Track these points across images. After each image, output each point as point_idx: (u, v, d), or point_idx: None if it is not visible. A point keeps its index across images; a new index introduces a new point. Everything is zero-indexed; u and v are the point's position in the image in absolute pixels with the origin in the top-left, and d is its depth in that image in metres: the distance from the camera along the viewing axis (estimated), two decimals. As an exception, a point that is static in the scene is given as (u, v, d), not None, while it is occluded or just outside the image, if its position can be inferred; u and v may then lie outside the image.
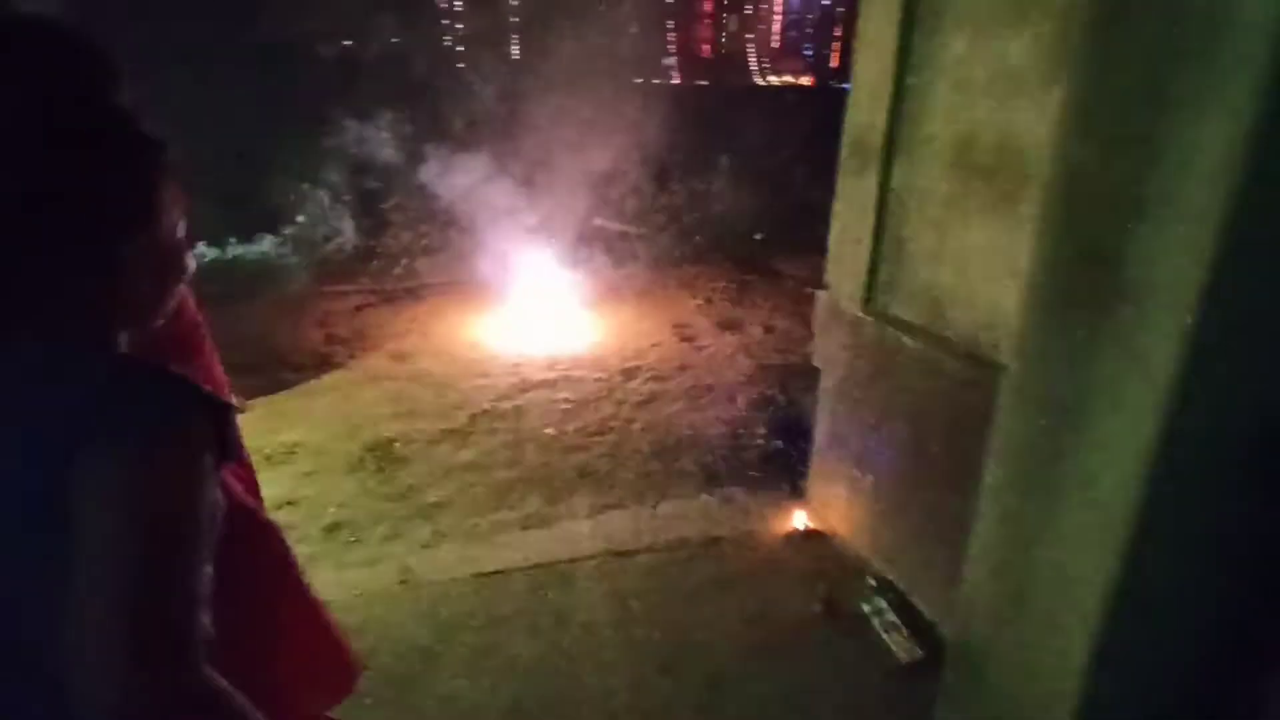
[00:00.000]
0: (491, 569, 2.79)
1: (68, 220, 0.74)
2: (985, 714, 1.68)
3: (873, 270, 2.66)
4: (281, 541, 1.06)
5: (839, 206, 2.83)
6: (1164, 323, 1.23)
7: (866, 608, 2.53)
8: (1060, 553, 1.47)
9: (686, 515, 3.20)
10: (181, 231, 0.85)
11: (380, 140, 8.32)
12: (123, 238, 0.77)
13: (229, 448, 0.78)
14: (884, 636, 2.40)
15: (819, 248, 3.02)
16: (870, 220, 2.61)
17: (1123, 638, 1.37)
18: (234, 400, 0.92)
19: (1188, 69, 1.12)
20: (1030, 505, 1.51)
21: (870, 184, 2.59)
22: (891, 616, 2.45)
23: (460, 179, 8.35)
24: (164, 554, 0.70)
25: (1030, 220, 1.72)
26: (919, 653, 2.31)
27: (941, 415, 2.35)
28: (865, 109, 2.59)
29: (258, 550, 1.00)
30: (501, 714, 2.15)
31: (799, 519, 3.05)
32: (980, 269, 2.23)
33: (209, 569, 0.75)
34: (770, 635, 2.47)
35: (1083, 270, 1.34)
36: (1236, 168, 1.10)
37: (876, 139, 2.52)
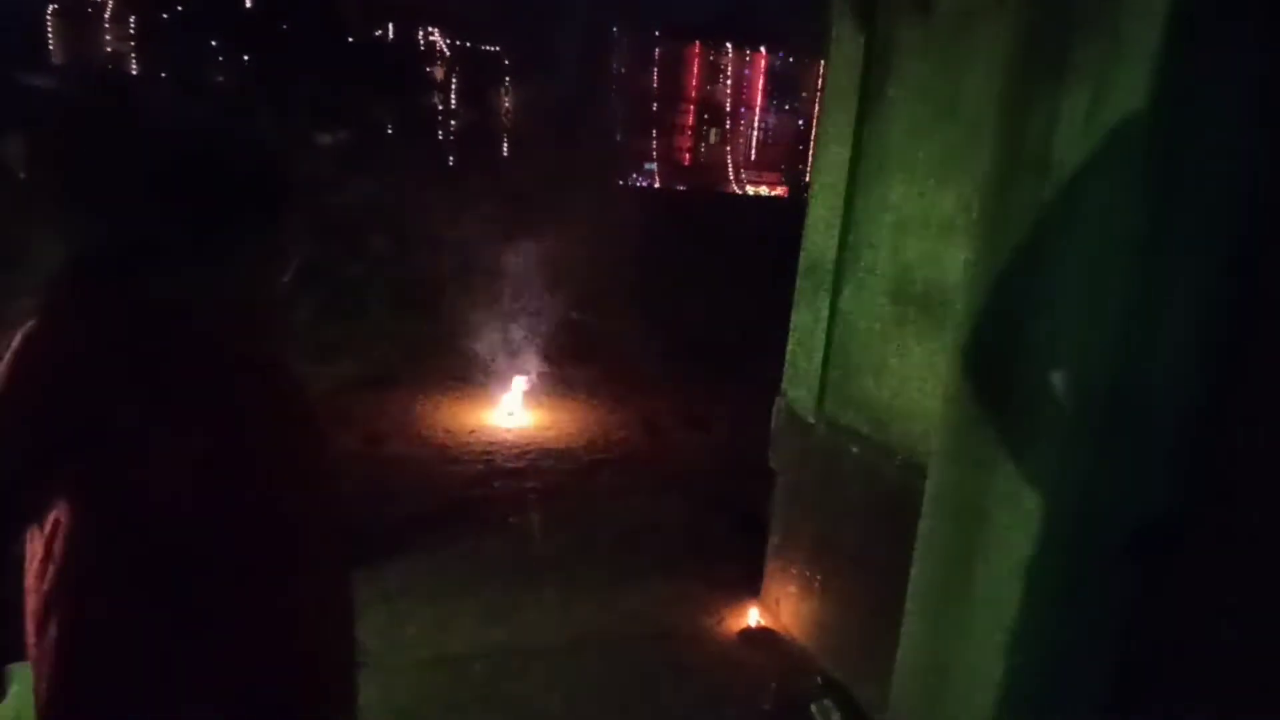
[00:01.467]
0: (450, 654, 2.84)
1: None
2: (911, 805, 1.79)
3: (824, 382, 2.89)
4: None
5: (795, 321, 3.09)
6: (1048, 438, 1.45)
7: (814, 707, 2.62)
8: (973, 652, 1.63)
9: (644, 608, 3.29)
10: None
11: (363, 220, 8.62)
12: None
13: None
14: (828, 734, 2.49)
15: (784, 349, 3.25)
16: (822, 336, 2.87)
17: (1025, 728, 1.52)
18: None
19: (1054, 241, 1.39)
20: (948, 607, 1.69)
21: (823, 304, 2.86)
22: (836, 715, 2.55)
23: (442, 267, 8.66)
24: None
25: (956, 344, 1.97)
26: (860, 751, 2.40)
27: (883, 519, 2.53)
28: (818, 238, 2.90)
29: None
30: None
31: (753, 616, 3.16)
32: (917, 385, 2.47)
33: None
34: (718, 731, 2.54)
35: (985, 400, 1.57)
36: (1106, 318, 1.35)
37: (828, 265, 2.81)
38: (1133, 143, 1.31)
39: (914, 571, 1.81)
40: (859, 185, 2.68)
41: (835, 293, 2.80)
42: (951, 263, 2.29)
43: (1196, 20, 1.26)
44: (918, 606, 1.80)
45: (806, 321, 2.97)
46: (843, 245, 2.75)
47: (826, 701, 2.60)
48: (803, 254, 3.03)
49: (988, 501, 1.59)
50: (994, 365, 1.56)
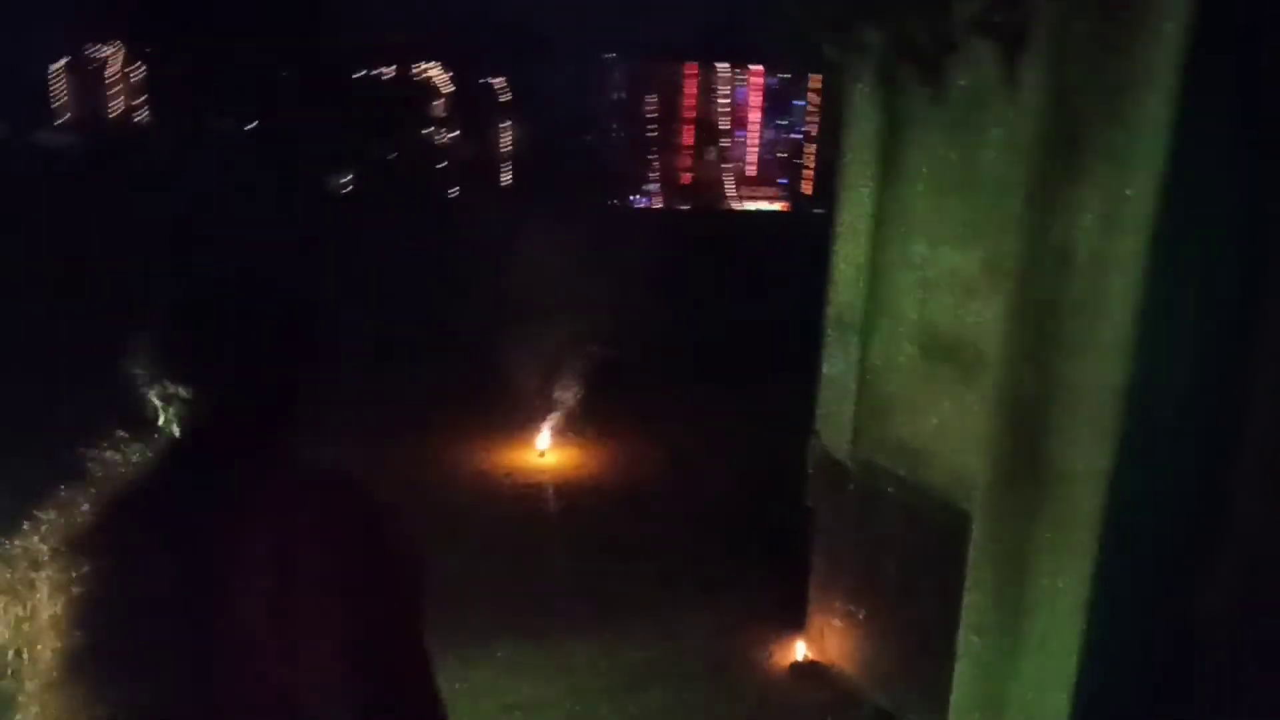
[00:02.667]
0: (521, 701, 2.99)
1: None
2: (975, 833, 1.94)
3: (856, 425, 3.06)
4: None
5: (826, 365, 3.26)
6: (1087, 495, 1.62)
7: (866, 736, 2.77)
8: (1026, 691, 1.79)
9: (695, 642, 3.43)
10: None
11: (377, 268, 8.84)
12: None
13: None
14: (883, 764, 2.64)
15: (802, 368, 3.39)
16: (854, 381, 3.04)
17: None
18: None
19: (1074, 322, 1.58)
20: (999, 648, 1.85)
21: (852, 353, 3.03)
22: (889, 744, 2.70)
23: (461, 309, 8.85)
24: None
25: (986, 397, 2.14)
26: (916, 779, 2.55)
27: (924, 556, 2.69)
28: (845, 289, 3.07)
29: None
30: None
31: (800, 649, 3.31)
32: (950, 431, 2.64)
33: None
34: (777, 765, 2.69)
35: (1022, 459, 1.75)
36: (1119, 386, 1.52)
37: (856, 316, 2.99)
38: (1141, 237, 1.49)
39: (964, 614, 1.97)
40: (883, 243, 2.86)
41: (864, 342, 2.97)
42: (977, 318, 2.47)
43: (1191, 130, 1.45)
44: (970, 647, 1.96)
45: (837, 368, 3.14)
46: (869, 298, 2.92)
47: (879, 731, 2.75)
48: (830, 300, 3.20)
49: (1031, 549, 1.76)
50: (1026, 433, 1.73)
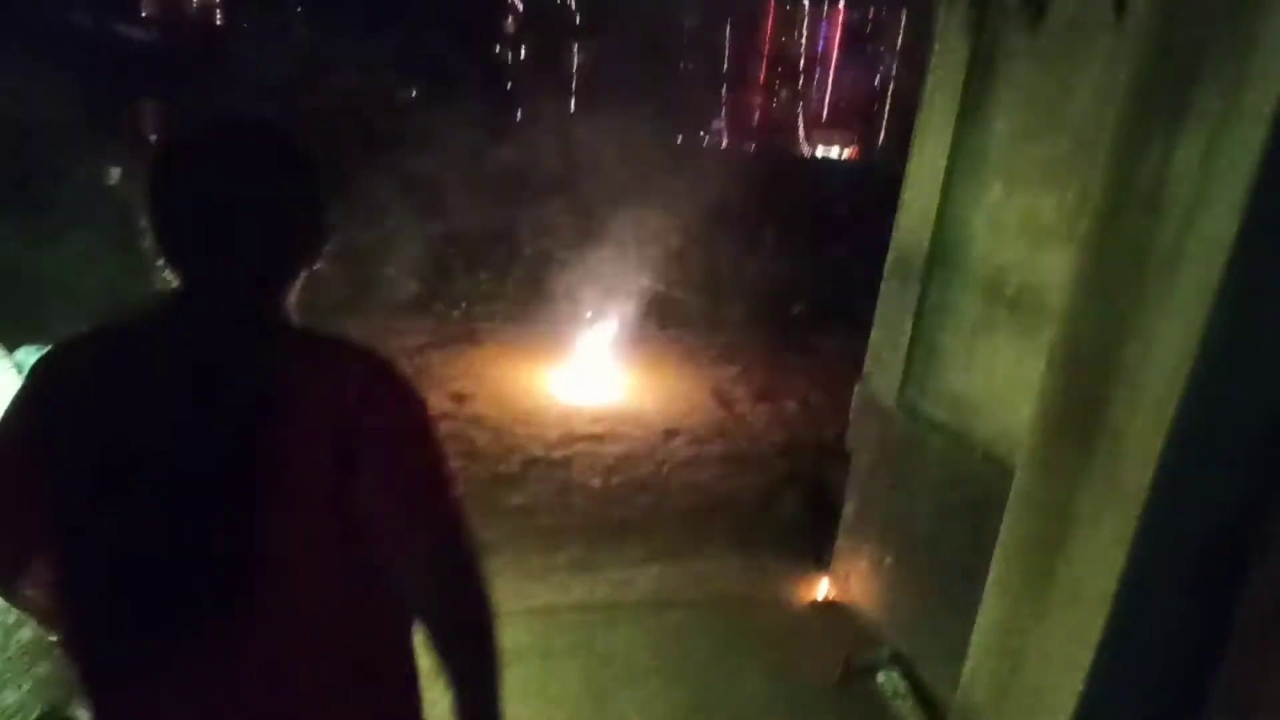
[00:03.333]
0: (541, 606, 3.11)
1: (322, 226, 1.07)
2: (979, 775, 1.95)
3: (907, 371, 2.99)
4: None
5: (881, 309, 3.18)
6: (1136, 458, 1.56)
7: (880, 677, 2.79)
8: (1049, 642, 1.77)
9: (720, 575, 3.50)
10: None
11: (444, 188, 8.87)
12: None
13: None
14: (893, 704, 2.67)
15: (855, 322, 3.35)
16: (908, 327, 2.96)
17: (1095, 713, 1.66)
18: None
19: (1157, 273, 1.48)
20: (1027, 598, 1.82)
21: (911, 296, 2.94)
22: (902, 686, 2.72)
23: (517, 230, 8.87)
24: None
25: (1045, 350, 2.06)
26: (925, 721, 2.57)
27: (960, 507, 2.65)
28: (912, 230, 2.96)
29: None
30: (552, 737, 2.45)
31: (823, 588, 3.34)
32: (1002, 384, 2.56)
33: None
34: (790, 692, 2.75)
35: (1077, 410, 1.68)
36: (1191, 352, 1.44)
37: (919, 259, 2.89)
38: (1244, 181, 1.37)
39: (995, 562, 1.94)
40: (955, 184, 2.73)
41: (925, 286, 2.88)
42: (1048, 268, 2.35)
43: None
44: (996, 596, 1.93)
45: (894, 312, 3.06)
46: (935, 241, 2.82)
47: (894, 673, 2.77)
48: (893, 245, 3.10)
49: (1073, 506, 1.71)
50: (1089, 383, 1.65)
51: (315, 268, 1.08)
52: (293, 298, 1.06)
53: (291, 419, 0.92)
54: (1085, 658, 1.66)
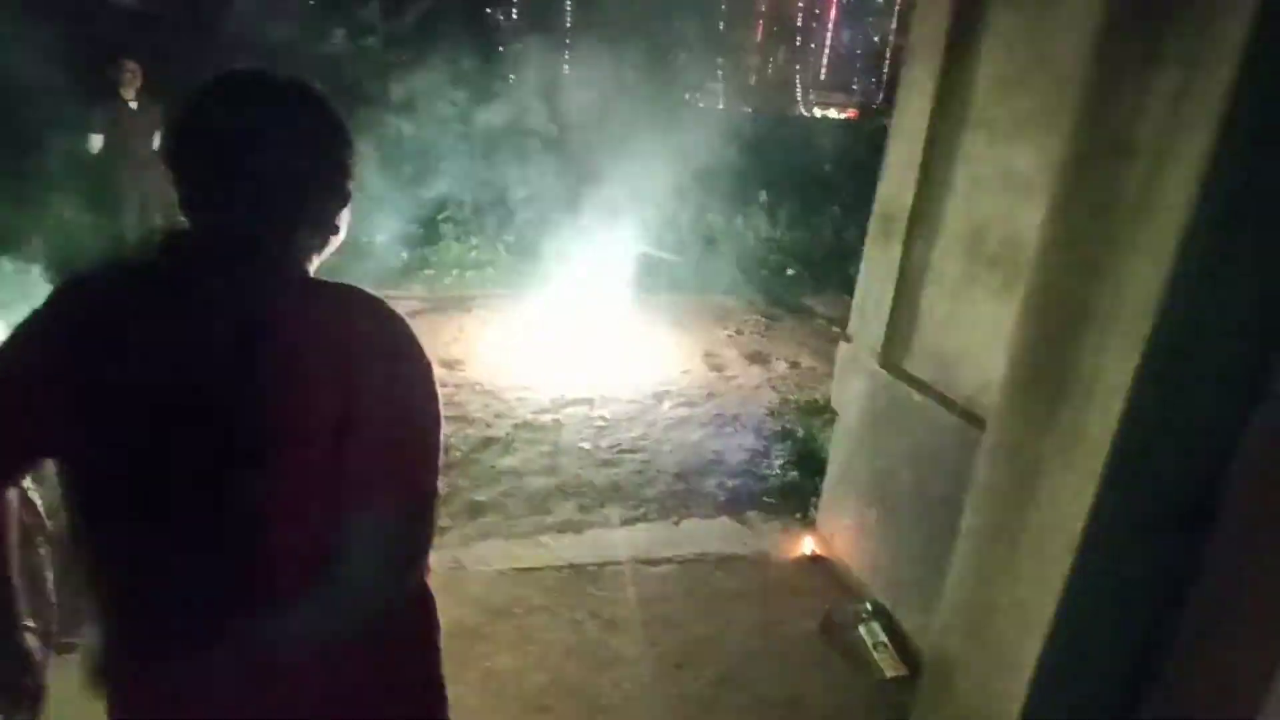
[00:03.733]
0: (531, 565, 3.16)
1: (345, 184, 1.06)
2: (952, 715, 2.00)
3: (890, 329, 2.99)
4: None
5: (865, 268, 3.18)
6: (1103, 404, 1.57)
7: (861, 628, 2.85)
8: (1017, 588, 1.80)
9: (707, 533, 3.55)
10: None
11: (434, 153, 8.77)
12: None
13: None
14: (874, 654, 2.72)
15: (848, 284, 3.35)
16: (891, 286, 2.95)
17: (1061, 657, 1.70)
18: None
19: (1126, 218, 1.47)
20: (996, 547, 1.85)
21: (894, 254, 2.93)
22: (882, 637, 2.77)
23: (510, 195, 8.79)
24: None
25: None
26: (903, 669, 2.63)
27: (940, 463, 2.67)
28: (894, 187, 2.94)
29: None
30: (538, 689, 2.51)
31: (808, 545, 3.38)
32: (982, 341, 2.56)
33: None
34: (774, 645, 2.80)
35: (1047, 358, 1.69)
36: (1160, 295, 1.44)
37: (902, 216, 2.87)
38: (1213, 134, 1.36)
39: (967, 513, 1.96)
40: (938, 138, 2.70)
41: (908, 243, 2.87)
42: (1027, 221, 2.34)
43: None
44: (969, 546, 1.96)
45: (877, 269, 3.05)
46: (918, 197, 2.80)
47: (874, 625, 2.83)
48: (877, 203, 3.09)
49: (1043, 457, 1.72)
50: (1059, 330, 1.66)
51: (336, 236, 1.09)
52: (313, 265, 1.07)
53: (299, 364, 0.93)
54: (1051, 604, 1.70)
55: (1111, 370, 1.54)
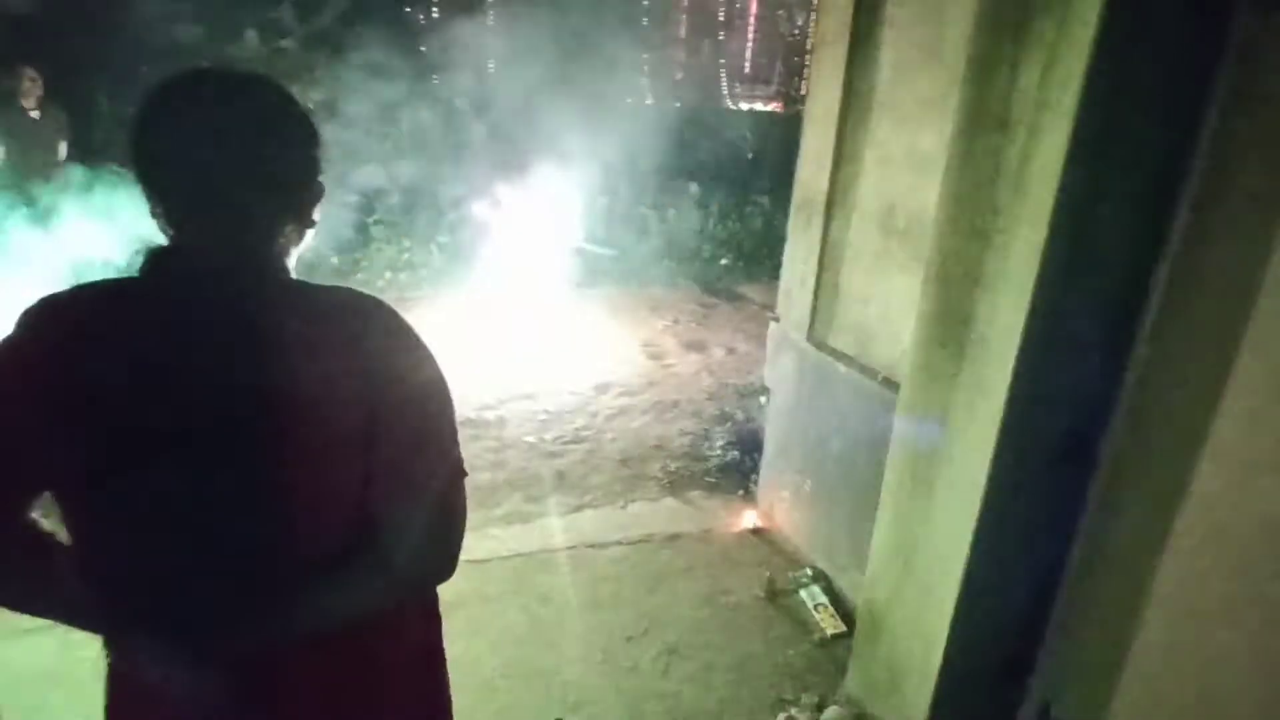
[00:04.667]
0: (480, 557, 3.20)
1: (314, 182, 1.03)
2: (883, 659, 2.15)
3: (815, 307, 3.15)
4: None
5: (789, 250, 3.33)
6: (998, 358, 1.73)
7: (802, 592, 3.00)
8: (936, 536, 1.95)
9: (652, 514, 3.65)
10: None
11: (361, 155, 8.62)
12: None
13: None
14: (814, 614, 2.87)
15: (778, 273, 3.50)
16: (814, 265, 3.11)
17: (976, 591, 1.86)
18: None
19: (1008, 187, 1.62)
20: (914, 499, 2.00)
21: (814, 235, 3.08)
22: (822, 598, 2.93)
23: (440, 195, 8.71)
24: None
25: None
26: (841, 626, 2.79)
27: (866, 431, 2.84)
28: (811, 171, 3.09)
29: None
30: (493, 671, 2.56)
31: (749, 519, 3.52)
32: (898, 311, 2.73)
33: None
34: (720, 614, 2.92)
35: (948, 320, 1.84)
36: (1041, 259, 1.60)
37: (819, 199, 3.02)
38: (1075, 106, 1.52)
39: (888, 469, 2.11)
40: (848, 124, 2.86)
41: (826, 224, 3.02)
42: (931, 197, 2.50)
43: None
44: (890, 499, 2.11)
45: (799, 250, 3.20)
46: (833, 180, 2.95)
47: (814, 588, 2.98)
48: (796, 187, 3.23)
49: (949, 409, 1.88)
50: (957, 294, 1.81)
51: (310, 228, 1.06)
52: (291, 260, 1.04)
53: (306, 374, 0.91)
54: (965, 545, 1.85)
55: (1004, 328, 1.70)
